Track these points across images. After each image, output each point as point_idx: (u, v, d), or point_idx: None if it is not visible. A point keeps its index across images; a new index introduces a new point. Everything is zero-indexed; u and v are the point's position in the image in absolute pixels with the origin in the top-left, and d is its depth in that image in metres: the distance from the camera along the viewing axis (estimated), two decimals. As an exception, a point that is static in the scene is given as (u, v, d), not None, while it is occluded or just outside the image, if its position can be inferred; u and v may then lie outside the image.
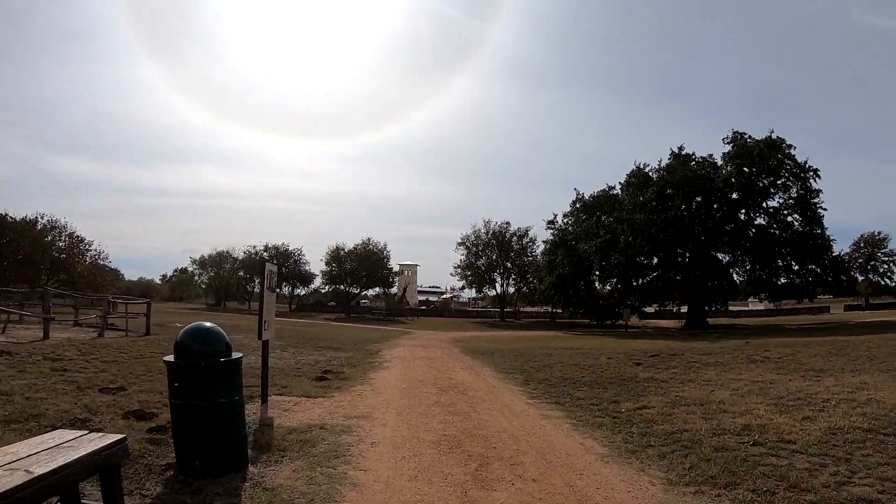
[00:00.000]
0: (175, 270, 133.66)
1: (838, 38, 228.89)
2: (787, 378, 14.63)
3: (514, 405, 12.19)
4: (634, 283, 61.03)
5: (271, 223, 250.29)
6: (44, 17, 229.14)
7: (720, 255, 59.23)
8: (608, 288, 69.73)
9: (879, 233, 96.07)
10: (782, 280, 58.04)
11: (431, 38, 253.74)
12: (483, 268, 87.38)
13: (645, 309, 67.72)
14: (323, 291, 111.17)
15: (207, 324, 7.27)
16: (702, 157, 59.94)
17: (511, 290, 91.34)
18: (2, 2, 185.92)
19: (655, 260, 58.72)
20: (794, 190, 56.68)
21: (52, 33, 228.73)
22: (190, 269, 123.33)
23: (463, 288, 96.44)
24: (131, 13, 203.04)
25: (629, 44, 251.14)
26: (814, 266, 55.89)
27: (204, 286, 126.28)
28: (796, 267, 56.51)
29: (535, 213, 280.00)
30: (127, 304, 31.57)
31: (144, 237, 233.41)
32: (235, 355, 7.14)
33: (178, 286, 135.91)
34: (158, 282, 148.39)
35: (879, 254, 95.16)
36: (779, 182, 56.69)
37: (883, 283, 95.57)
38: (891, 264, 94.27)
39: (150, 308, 29.55)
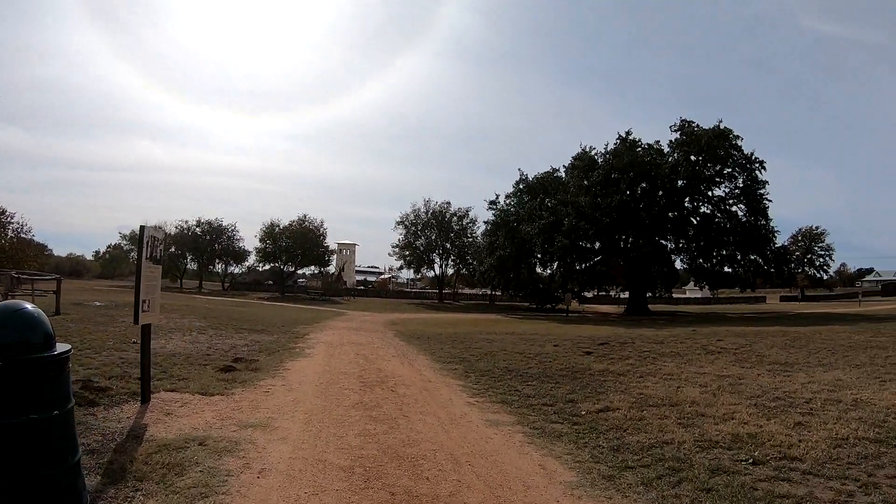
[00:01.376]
0: (109, 247, 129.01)
1: (780, 41, 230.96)
2: (755, 372, 14.01)
3: (453, 406, 10.28)
4: (577, 267, 59.73)
5: (210, 201, 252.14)
6: None
7: (664, 242, 58.46)
8: (548, 272, 68.41)
9: (817, 227, 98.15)
10: (726, 269, 57.57)
11: (378, 17, 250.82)
12: (422, 248, 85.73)
13: (584, 294, 66.72)
14: (260, 270, 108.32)
15: (26, 305, 4.84)
16: (647, 144, 59.25)
17: (450, 271, 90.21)
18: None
19: (598, 244, 57.45)
20: (741, 180, 56.37)
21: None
22: (116, 244, 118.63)
23: (401, 268, 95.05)
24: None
25: (576, 32, 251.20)
26: (756, 256, 55.71)
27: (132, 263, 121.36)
28: (738, 256, 56.03)
29: (476, 195, 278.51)
30: (34, 280, 29.07)
31: (77, 212, 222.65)
32: (60, 348, 4.74)
33: (111, 263, 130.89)
34: (92, 258, 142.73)
35: (816, 247, 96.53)
36: (725, 171, 56.27)
37: (818, 275, 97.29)
38: (826, 258, 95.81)
39: (60, 285, 27.44)
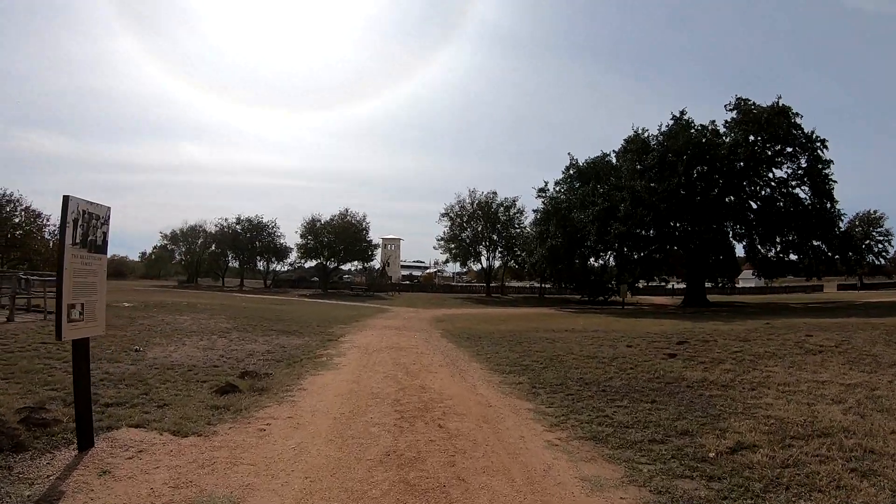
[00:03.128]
0: (154, 248, 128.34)
1: (827, 20, 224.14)
2: (883, 379, 11.75)
3: (529, 452, 7.27)
4: (633, 256, 56.25)
5: (250, 198, 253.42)
6: None
7: (724, 229, 54.48)
8: (600, 262, 65.15)
9: (875, 211, 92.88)
10: (791, 256, 53.91)
11: (414, 11, 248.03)
12: (468, 240, 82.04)
13: (637, 285, 63.53)
14: (306, 267, 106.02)
15: None
16: (701, 125, 55.41)
17: (497, 263, 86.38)
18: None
19: (653, 232, 53.82)
20: (803, 160, 52.39)
21: (23, 5, 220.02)
22: (160, 244, 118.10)
23: (447, 261, 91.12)
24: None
25: (615, 16, 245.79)
26: (820, 242, 51.98)
27: (176, 262, 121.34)
28: (801, 243, 52.22)
29: (521, 187, 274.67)
30: (45, 281, 27.15)
31: (124, 215, 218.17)
32: None
33: (155, 263, 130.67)
34: (138, 259, 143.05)
35: (874, 232, 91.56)
36: (787, 151, 52.37)
37: (877, 262, 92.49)
38: (885, 244, 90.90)
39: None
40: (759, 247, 54.26)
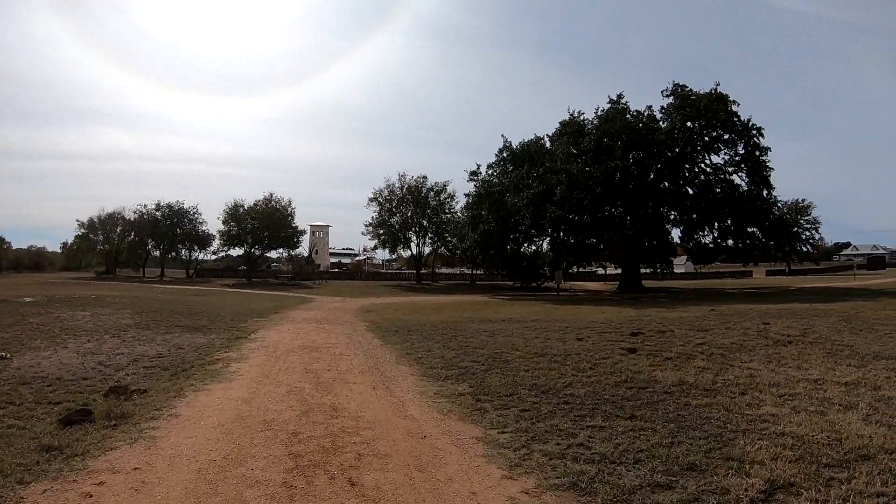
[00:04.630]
0: (76, 238, 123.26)
1: (757, 18, 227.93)
2: (873, 374, 10.79)
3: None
4: (569, 241, 54.33)
5: (179, 187, 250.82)
6: None
7: (661, 213, 53.39)
8: (533, 247, 63.64)
9: (804, 200, 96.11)
10: (729, 242, 52.92)
11: (348, 1, 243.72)
12: (397, 226, 79.13)
13: (570, 270, 61.17)
14: (234, 256, 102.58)
15: None
16: (637, 111, 54.08)
17: (427, 250, 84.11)
18: None
19: (588, 216, 52.03)
20: (741, 146, 51.64)
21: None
22: (78, 234, 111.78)
23: (375, 248, 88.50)
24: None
25: (546, 9, 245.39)
26: (754, 229, 51.59)
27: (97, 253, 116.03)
28: (736, 229, 51.67)
29: (454, 175, 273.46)
30: None
31: (44, 205, 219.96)
32: None
33: (75, 254, 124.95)
34: (59, 250, 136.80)
35: (802, 220, 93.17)
36: (725, 137, 51.57)
37: (805, 249, 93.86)
38: (812, 231, 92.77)
39: None
40: (693, 232, 53.45)
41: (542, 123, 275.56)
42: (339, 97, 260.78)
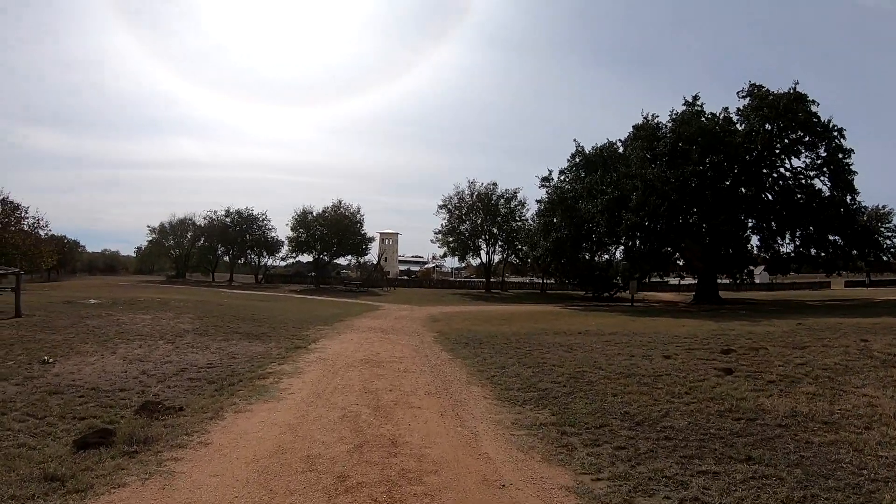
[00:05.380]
0: (148, 242, 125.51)
1: (821, 14, 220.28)
2: None
3: None
4: (644, 249, 52.15)
5: (247, 194, 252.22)
6: None
7: (742, 221, 50.78)
8: (605, 256, 61.75)
9: (884, 206, 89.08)
10: (812, 251, 49.87)
11: (412, 6, 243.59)
12: (467, 233, 77.22)
13: (643, 280, 59.82)
14: (304, 262, 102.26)
15: None
16: (712, 113, 51.76)
17: (497, 258, 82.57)
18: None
19: (661, 224, 49.80)
20: (822, 149, 48.56)
21: (20, 2, 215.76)
22: (149, 238, 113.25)
23: (444, 256, 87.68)
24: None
25: (617, 16, 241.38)
26: (837, 237, 48.41)
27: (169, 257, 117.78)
28: (818, 237, 48.65)
29: (519, 184, 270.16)
30: None
31: (120, 211, 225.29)
32: None
33: (147, 258, 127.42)
34: (133, 254, 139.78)
35: (882, 228, 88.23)
36: (805, 139, 48.54)
37: (886, 259, 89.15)
38: (894, 239, 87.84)
39: (19, 282, 24.80)
40: (771, 241, 51.02)
41: (605, 129, 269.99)
42: (403, 105, 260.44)
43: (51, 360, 12.71)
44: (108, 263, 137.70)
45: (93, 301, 29.10)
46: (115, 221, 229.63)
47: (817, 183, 49.19)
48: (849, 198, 48.30)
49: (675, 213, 47.55)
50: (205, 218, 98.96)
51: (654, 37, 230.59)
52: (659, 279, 68.67)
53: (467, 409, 9.37)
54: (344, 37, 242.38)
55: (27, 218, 61.26)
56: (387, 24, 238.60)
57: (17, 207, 60.33)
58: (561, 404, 9.50)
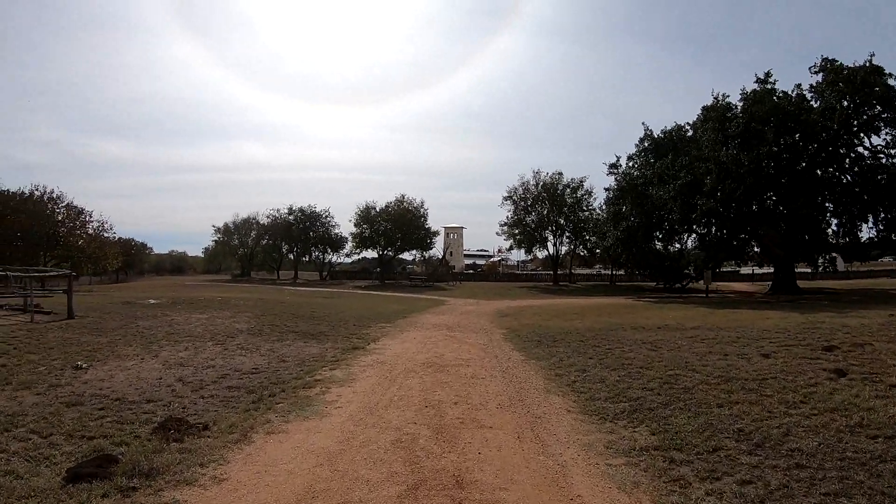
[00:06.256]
0: (213, 242, 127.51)
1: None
2: None
3: None
4: (720, 235, 49.97)
5: (312, 194, 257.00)
6: (72, 1, 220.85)
7: (824, 204, 48.19)
8: (677, 245, 59.24)
9: None
10: (894, 237, 46.32)
11: (465, 5, 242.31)
12: (533, 224, 74.90)
13: (717, 270, 56.86)
14: (368, 258, 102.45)
15: None
16: (783, 92, 48.22)
17: (564, 249, 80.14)
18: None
19: (739, 209, 47.30)
20: (904, 124, 45.83)
21: (80, 17, 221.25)
22: (215, 239, 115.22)
23: (510, 248, 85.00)
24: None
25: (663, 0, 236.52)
26: None
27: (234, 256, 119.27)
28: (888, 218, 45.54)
29: (582, 173, 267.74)
30: (27, 278, 25.72)
31: (187, 214, 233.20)
32: None
33: (214, 258, 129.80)
34: (201, 255, 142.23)
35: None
36: (884, 115, 45.10)
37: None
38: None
39: (71, 282, 23.80)
40: (853, 225, 47.61)
41: (672, 115, 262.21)
42: (463, 100, 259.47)
43: (85, 366, 11.96)
44: (176, 264, 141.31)
45: (152, 301, 28.73)
46: (182, 224, 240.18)
47: (899, 160, 46.19)
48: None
49: (751, 198, 45.28)
50: (268, 216, 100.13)
51: (714, 18, 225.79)
52: (731, 269, 66.46)
53: (549, 429, 7.79)
54: (399, 36, 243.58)
55: (92, 222, 63.44)
56: (441, 19, 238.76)
57: (81, 212, 62.33)
58: (659, 419, 7.97)
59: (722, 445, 6.72)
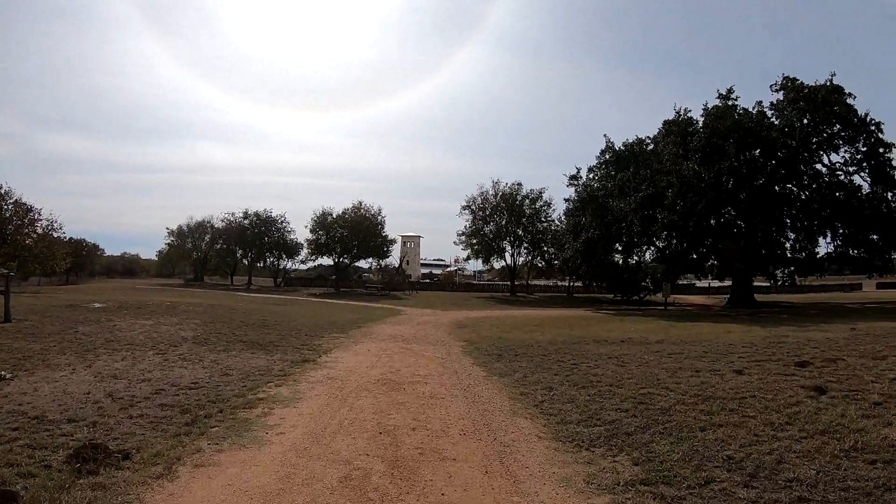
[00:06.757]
0: (166, 245, 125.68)
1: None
2: None
3: None
4: (679, 249, 49.75)
5: (271, 198, 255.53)
6: None
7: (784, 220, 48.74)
8: (635, 257, 59.17)
9: None
10: (852, 251, 47.43)
11: (432, 10, 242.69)
12: (491, 235, 74.70)
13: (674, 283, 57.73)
14: (323, 265, 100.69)
15: None
16: (744, 109, 49.04)
17: (521, 260, 79.88)
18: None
19: (694, 223, 47.15)
20: (861, 143, 46.15)
21: (39, 9, 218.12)
22: (166, 241, 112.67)
23: (468, 258, 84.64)
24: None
25: (630, 13, 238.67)
26: (876, 236, 45.82)
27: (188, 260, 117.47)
28: (860, 236, 46.25)
29: (542, 185, 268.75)
30: None
31: (141, 214, 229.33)
32: None
33: (168, 261, 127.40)
34: (155, 258, 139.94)
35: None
36: (843, 133, 46.25)
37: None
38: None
39: (8, 283, 22.81)
40: (810, 240, 48.20)
41: (630, 131, 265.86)
42: (424, 109, 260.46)
43: (8, 377, 11.07)
44: (128, 266, 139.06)
45: (97, 305, 28.14)
46: (138, 225, 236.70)
47: (857, 179, 46.98)
48: (889, 195, 45.82)
49: (711, 212, 45.50)
50: (222, 220, 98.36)
51: (674, 36, 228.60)
52: (686, 282, 67.13)
53: (520, 460, 6.86)
54: (364, 42, 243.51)
55: (41, 220, 60.91)
56: (406, 28, 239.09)
57: (30, 209, 59.69)
58: (640, 445, 7.19)
59: (714, 477, 6.04)
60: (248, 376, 12.08)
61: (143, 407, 9.14)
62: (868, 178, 46.31)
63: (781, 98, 47.85)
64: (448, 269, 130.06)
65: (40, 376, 11.40)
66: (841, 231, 46.73)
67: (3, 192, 57.28)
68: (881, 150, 45.35)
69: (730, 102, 48.45)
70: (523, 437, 7.82)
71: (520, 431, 8.14)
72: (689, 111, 50.61)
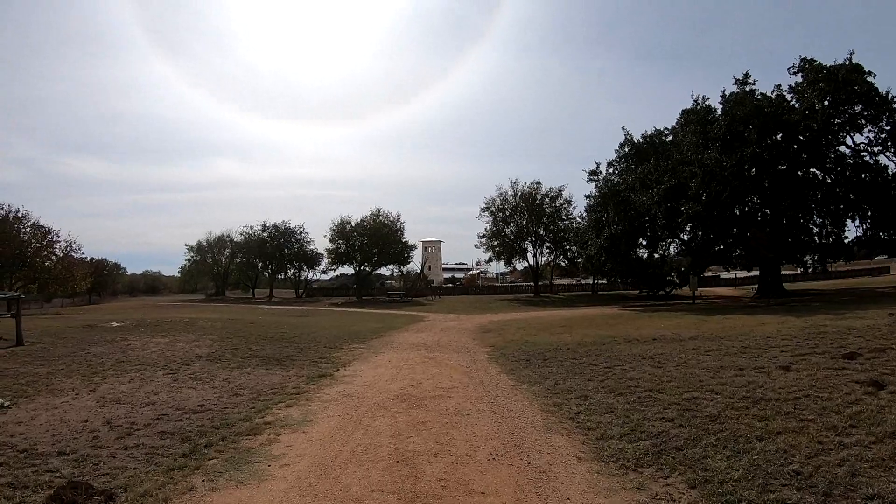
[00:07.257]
0: (187, 261, 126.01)
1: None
2: None
3: None
4: (706, 240, 48.85)
5: (288, 210, 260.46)
6: (46, 20, 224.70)
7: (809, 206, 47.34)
8: (660, 251, 57.86)
9: None
10: (882, 234, 45.50)
11: (440, 15, 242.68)
12: (512, 235, 73.60)
13: (700, 275, 57.02)
14: (346, 274, 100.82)
15: None
16: (762, 94, 47.74)
17: (544, 260, 78.65)
18: (3, 6, 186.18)
19: (725, 212, 46.41)
20: (884, 122, 44.43)
21: (55, 36, 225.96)
22: (187, 257, 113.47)
23: (489, 260, 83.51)
24: (136, 12, 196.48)
25: (637, 13, 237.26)
26: None
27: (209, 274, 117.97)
28: (886, 218, 44.37)
29: (561, 183, 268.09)
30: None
31: (163, 233, 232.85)
32: None
33: (190, 277, 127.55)
34: (177, 274, 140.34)
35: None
36: (866, 113, 44.54)
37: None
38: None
39: (19, 305, 22.62)
40: (836, 225, 47.17)
41: (648, 124, 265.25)
42: (438, 115, 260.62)
43: (7, 404, 10.67)
44: (150, 284, 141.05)
45: (115, 324, 27.53)
46: (159, 242, 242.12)
47: (882, 159, 45.47)
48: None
49: (736, 200, 44.49)
50: (241, 234, 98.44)
51: (686, 27, 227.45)
52: (712, 274, 66.37)
53: (558, 489, 5.92)
54: (373, 52, 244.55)
55: (59, 241, 61.25)
56: (415, 35, 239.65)
57: (48, 232, 60.02)
58: (693, 462, 6.37)
59: (785, 499, 5.24)
60: (258, 396, 11.38)
61: (141, 435, 8.51)
62: (894, 158, 44.75)
63: (800, 80, 46.30)
64: (470, 272, 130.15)
65: (40, 403, 10.93)
66: (869, 214, 45.19)
67: (20, 215, 57.52)
68: (906, 128, 43.63)
69: (747, 88, 47.21)
70: (560, 459, 6.94)
71: (556, 452, 7.26)
72: (707, 98, 49.59)
